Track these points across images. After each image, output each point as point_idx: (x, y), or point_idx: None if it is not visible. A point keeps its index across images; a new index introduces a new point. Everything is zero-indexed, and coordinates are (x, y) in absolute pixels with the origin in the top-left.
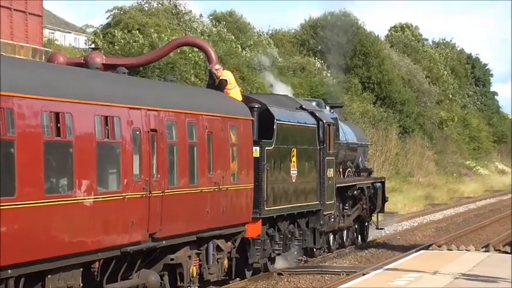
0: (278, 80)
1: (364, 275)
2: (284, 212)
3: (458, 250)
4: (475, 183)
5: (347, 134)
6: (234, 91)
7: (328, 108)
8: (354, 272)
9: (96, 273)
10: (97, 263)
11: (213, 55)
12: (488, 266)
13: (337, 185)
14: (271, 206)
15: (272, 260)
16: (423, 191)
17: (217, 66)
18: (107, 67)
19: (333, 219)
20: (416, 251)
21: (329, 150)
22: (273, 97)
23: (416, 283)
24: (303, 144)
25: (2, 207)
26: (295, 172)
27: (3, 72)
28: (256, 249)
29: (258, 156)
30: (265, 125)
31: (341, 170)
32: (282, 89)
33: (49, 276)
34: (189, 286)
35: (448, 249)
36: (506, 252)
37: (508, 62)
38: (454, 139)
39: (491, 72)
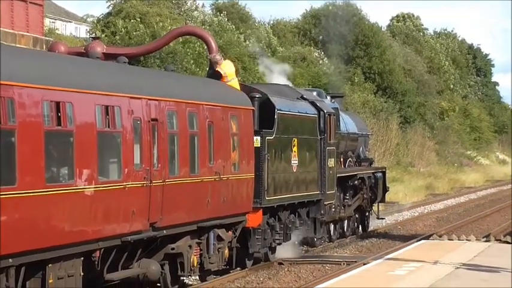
0: (272, 62)
1: (364, 264)
2: (285, 202)
3: (459, 240)
4: (476, 173)
5: (348, 124)
6: (231, 83)
7: (329, 98)
8: (355, 261)
9: (96, 262)
10: (98, 252)
11: (213, 45)
12: (489, 256)
13: (338, 175)
14: (271, 196)
15: (273, 250)
16: (424, 181)
17: (218, 57)
18: (108, 56)
19: (333, 209)
20: (417, 241)
21: (330, 140)
22: (273, 87)
23: (416, 273)
24: (304, 134)
25: (2, 196)
26: (296, 162)
27: (3, 61)
28: (257, 238)
29: (259, 146)
30: (266, 114)
31: (342, 160)
32: (277, 70)
33: (50, 265)
34: (190, 275)
35: (449, 239)
36: (507, 242)
37: (509, 52)
38: (455, 129)
39: (492, 63)
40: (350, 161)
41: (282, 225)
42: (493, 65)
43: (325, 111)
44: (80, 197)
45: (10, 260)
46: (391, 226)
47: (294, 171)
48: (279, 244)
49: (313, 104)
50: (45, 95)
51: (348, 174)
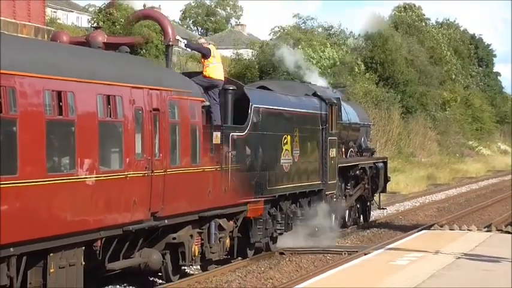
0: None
1: (365, 254)
2: (286, 192)
3: (460, 230)
4: (478, 163)
5: (349, 114)
6: (216, 66)
7: (331, 88)
8: (356, 251)
9: (98, 251)
10: (99, 242)
11: (170, 29)
12: (490, 246)
13: (340, 165)
14: (273, 186)
15: (274, 240)
16: (425, 171)
17: (203, 40)
18: (108, 46)
19: (335, 199)
20: (418, 231)
21: (331, 130)
22: (282, 82)
23: (418, 263)
24: (306, 126)
25: (4, 186)
26: (298, 152)
27: (5, 51)
28: (258, 228)
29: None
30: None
31: (343, 150)
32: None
33: (51, 254)
34: (191, 265)
35: (450, 229)
36: (508, 232)
37: (510, 42)
38: (457, 119)
39: (494, 53)
40: (352, 151)
41: (284, 215)
42: (494, 55)
43: (326, 101)
44: (81, 187)
45: (11, 249)
46: (392, 216)
47: (296, 160)
48: (281, 234)
49: (315, 95)
50: (46, 84)
51: (349, 164)
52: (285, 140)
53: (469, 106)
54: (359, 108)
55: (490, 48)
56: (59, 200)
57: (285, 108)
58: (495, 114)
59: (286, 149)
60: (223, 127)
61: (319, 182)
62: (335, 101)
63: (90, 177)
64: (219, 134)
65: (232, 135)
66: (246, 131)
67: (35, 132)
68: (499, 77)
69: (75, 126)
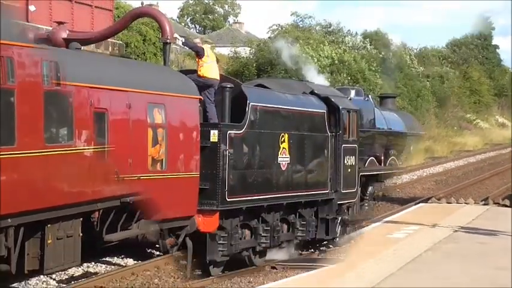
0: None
1: (363, 227)
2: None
3: (457, 203)
4: (475, 136)
5: (391, 120)
6: (211, 65)
7: (370, 97)
8: (353, 224)
9: (96, 223)
10: (97, 213)
11: (167, 27)
12: (487, 219)
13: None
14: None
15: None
16: (423, 144)
17: (197, 40)
18: (69, 42)
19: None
20: (415, 204)
21: (349, 137)
22: (281, 81)
23: (415, 236)
24: (304, 125)
25: (1, 156)
26: (288, 158)
27: (3, 21)
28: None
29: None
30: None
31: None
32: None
33: (49, 225)
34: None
35: (448, 202)
36: (506, 206)
37: (509, 15)
38: (455, 92)
39: (492, 26)
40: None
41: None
42: (493, 28)
43: (340, 107)
44: (79, 158)
45: (9, 220)
46: (389, 189)
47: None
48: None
49: (322, 98)
50: (44, 55)
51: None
52: (282, 139)
53: (467, 79)
54: (407, 117)
55: (488, 20)
56: (57, 171)
57: (283, 107)
58: (493, 87)
59: (283, 147)
60: (221, 125)
61: (327, 191)
62: (353, 108)
63: (87, 149)
64: (216, 132)
65: (229, 133)
66: (243, 129)
67: (32, 103)
68: (497, 50)
69: (73, 98)
